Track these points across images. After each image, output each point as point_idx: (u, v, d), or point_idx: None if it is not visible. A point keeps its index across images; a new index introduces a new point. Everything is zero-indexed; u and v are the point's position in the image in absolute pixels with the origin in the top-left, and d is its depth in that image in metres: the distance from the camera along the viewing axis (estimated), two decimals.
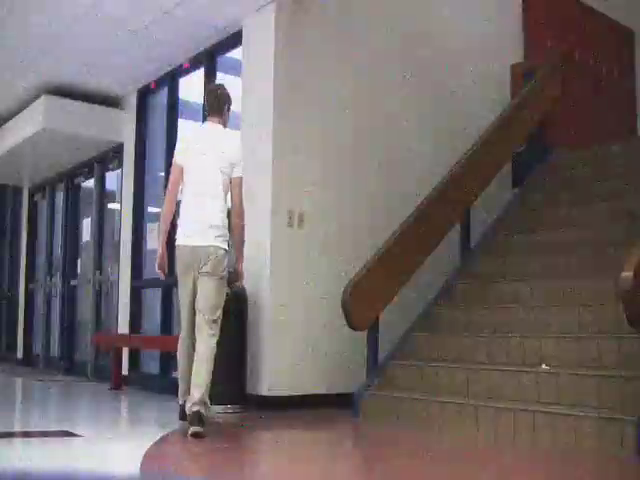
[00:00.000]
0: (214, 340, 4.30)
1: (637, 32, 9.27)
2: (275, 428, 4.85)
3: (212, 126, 4.57)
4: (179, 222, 4.50)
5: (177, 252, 4.48)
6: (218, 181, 4.40)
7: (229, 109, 4.66)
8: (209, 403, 4.25)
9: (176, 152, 4.62)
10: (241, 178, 4.49)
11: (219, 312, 4.38)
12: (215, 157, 4.43)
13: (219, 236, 4.35)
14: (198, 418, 4.12)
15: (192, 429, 4.10)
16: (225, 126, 4.61)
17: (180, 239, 4.45)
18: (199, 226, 4.36)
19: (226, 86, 4.73)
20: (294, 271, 5.72)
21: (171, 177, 4.58)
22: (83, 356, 8.82)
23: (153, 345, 7.06)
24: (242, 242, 4.52)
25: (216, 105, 4.58)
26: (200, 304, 4.37)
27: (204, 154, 4.45)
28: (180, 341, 4.54)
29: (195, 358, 4.26)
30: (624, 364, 4.30)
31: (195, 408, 4.13)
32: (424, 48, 6.81)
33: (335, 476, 3.43)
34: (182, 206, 4.49)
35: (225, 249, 4.40)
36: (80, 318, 9.10)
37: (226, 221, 4.43)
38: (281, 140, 5.73)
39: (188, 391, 4.29)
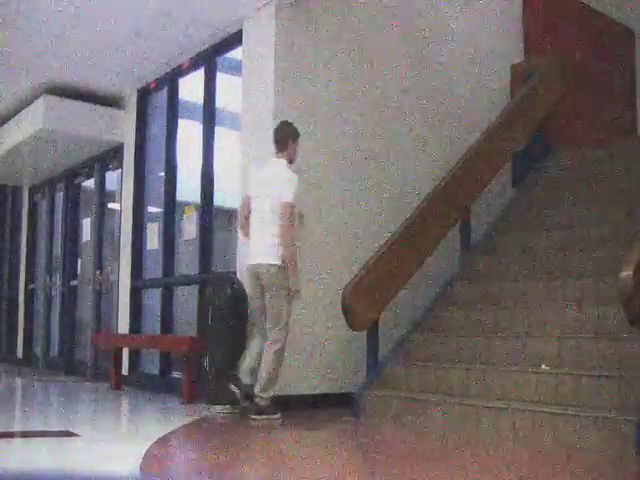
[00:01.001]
0: (274, 347, 4.94)
1: (637, 32, 9.26)
2: (275, 428, 4.85)
3: (272, 161, 5.15)
4: None
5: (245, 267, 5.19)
6: (268, 208, 4.94)
7: (294, 141, 5.17)
8: (266, 396, 4.94)
9: (248, 186, 5.30)
10: (288, 203, 4.89)
11: (280, 323, 4.96)
12: (269, 186, 4.99)
13: (269, 254, 4.90)
14: (255, 407, 4.94)
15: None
16: (290, 159, 5.13)
17: (246, 258, 5.17)
18: (254, 247, 5.04)
19: (290, 121, 5.27)
20: None
21: (240, 207, 5.30)
22: (83, 356, 8.82)
23: (153, 345, 7.06)
24: (291, 260, 4.92)
25: (280, 140, 5.14)
26: (266, 315, 5.05)
27: (262, 185, 5.06)
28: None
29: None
30: (624, 364, 4.30)
31: (255, 399, 4.96)
32: (425, 48, 6.81)
33: (334, 476, 3.43)
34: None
35: (276, 264, 4.89)
36: (80, 318, 9.10)
37: (275, 238, 4.91)
38: None
39: (250, 373, 5.03)
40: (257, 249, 4.98)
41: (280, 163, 5.08)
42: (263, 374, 4.95)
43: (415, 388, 5.15)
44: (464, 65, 7.14)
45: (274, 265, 4.89)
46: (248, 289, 5.19)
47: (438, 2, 7.07)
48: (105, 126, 7.96)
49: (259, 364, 5.02)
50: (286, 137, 5.13)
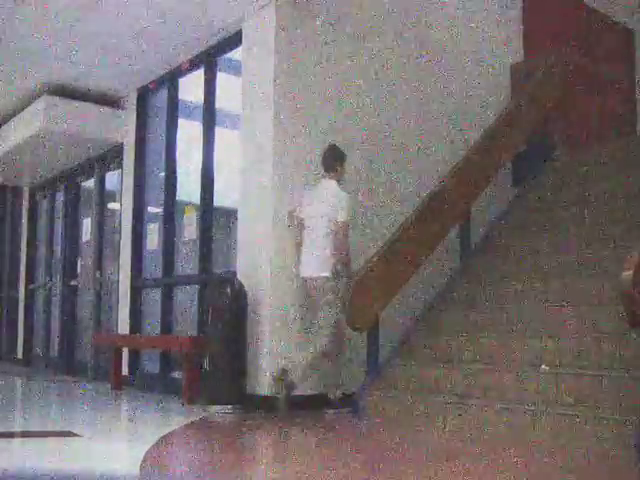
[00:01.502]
0: (321, 349, 5.18)
1: (637, 32, 9.26)
2: (275, 428, 4.85)
3: (323, 182, 5.48)
4: None
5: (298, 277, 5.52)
6: (320, 225, 5.32)
7: (341, 164, 5.52)
8: (295, 378, 5.12)
9: (298, 207, 5.51)
10: (343, 222, 5.29)
11: (329, 328, 5.21)
12: (319, 205, 5.35)
13: (321, 268, 5.27)
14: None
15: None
16: (339, 180, 5.46)
17: (300, 271, 5.45)
18: (308, 261, 5.36)
19: (337, 145, 5.58)
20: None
21: (293, 227, 5.56)
22: (83, 356, 8.82)
23: (153, 345, 7.06)
24: (349, 269, 5.41)
25: (328, 162, 5.50)
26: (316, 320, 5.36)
27: (316, 205, 5.39)
28: None
29: None
30: (624, 364, 4.30)
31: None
32: (424, 48, 6.81)
33: (335, 476, 3.43)
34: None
35: (324, 276, 5.24)
36: (80, 318, 9.10)
37: (327, 253, 5.26)
38: (281, 141, 5.72)
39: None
40: (311, 263, 5.32)
41: (331, 184, 5.42)
42: (303, 368, 5.16)
43: (415, 388, 5.15)
44: (464, 65, 7.14)
45: (326, 277, 5.26)
46: (298, 299, 5.44)
47: (438, 2, 7.07)
48: (105, 126, 7.96)
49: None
50: (335, 161, 5.50)
